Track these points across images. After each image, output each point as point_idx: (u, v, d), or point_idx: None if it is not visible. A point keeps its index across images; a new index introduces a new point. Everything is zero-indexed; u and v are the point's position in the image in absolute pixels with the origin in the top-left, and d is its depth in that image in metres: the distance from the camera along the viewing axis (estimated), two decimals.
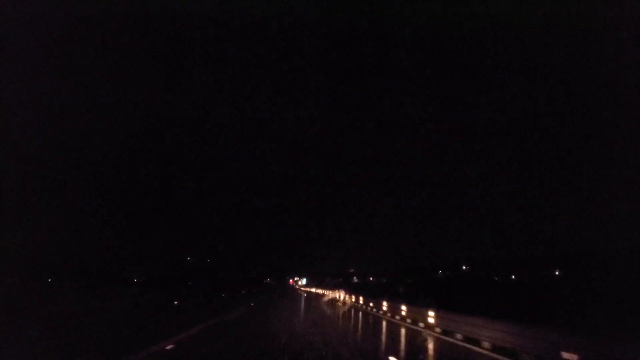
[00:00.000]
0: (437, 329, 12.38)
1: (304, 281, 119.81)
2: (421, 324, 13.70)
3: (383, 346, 10.58)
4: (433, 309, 13.12)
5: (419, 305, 15.01)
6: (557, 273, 63.56)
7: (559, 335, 7.40)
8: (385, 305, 19.12)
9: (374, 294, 29.95)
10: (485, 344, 9.49)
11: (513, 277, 69.47)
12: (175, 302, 27.37)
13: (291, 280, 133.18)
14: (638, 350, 6.18)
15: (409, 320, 15.24)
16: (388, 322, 15.97)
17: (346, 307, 26.30)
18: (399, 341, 11.56)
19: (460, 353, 9.41)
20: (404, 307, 16.35)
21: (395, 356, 8.69)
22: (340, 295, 35.51)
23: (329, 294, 44.86)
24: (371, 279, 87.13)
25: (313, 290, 71.34)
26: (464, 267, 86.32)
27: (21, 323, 14.19)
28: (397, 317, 16.62)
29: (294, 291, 69.55)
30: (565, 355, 7.01)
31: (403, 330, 13.54)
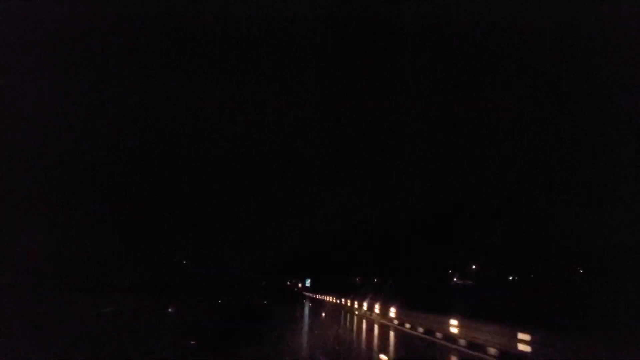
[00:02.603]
0: None
1: (307, 283, 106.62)
2: None
3: None
4: None
5: None
6: (580, 271, 59.20)
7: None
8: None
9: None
10: None
11: (532, 276, 65.05)
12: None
13: (289, 283, 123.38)
14: None
15: None
16: None
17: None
18: None
19: None
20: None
21: None
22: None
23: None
24: (375, 280, 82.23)
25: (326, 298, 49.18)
26: (473, 267, 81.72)
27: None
28: None
29: (296, 298, 63.67)
30: None
31: None
